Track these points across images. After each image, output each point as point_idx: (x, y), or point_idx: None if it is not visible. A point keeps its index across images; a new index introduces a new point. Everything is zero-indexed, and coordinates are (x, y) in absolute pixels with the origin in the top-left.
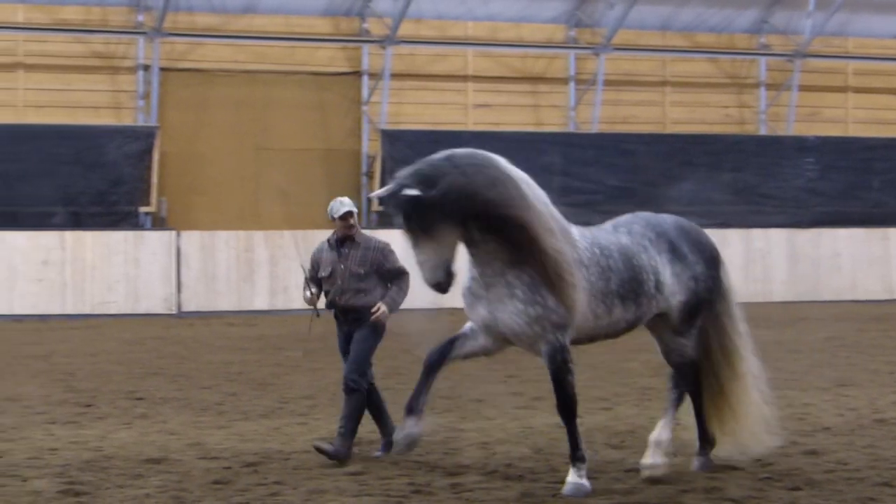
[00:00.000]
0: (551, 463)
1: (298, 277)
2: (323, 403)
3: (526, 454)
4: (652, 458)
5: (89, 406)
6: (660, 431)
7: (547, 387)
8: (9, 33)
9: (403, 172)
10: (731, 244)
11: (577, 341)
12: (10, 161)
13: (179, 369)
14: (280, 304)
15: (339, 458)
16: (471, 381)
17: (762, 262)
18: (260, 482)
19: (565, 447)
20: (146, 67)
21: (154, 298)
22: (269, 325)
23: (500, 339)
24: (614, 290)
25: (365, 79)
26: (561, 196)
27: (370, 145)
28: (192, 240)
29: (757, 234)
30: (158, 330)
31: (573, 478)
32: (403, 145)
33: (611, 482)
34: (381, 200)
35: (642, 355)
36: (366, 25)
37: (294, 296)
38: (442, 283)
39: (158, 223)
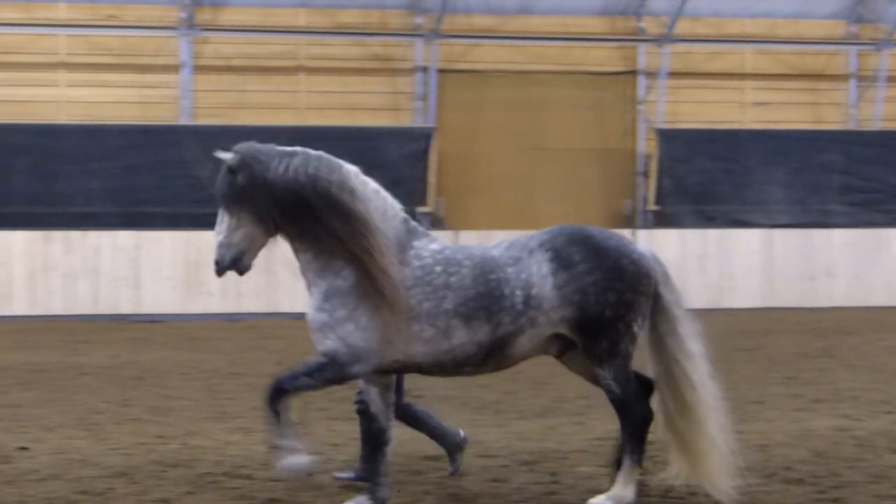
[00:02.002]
0: (832, 467)
1: None
2: (599, 404)
3: (806, 457)
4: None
5: None
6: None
7: (828, 388)
8: (291, 37)
9: (250, 143)
10: None
11: (426, 370)
12: None
13: None
14: None
15: None
16: (750, 382)
17: None
18: (536, 481)
19: (847, 450)
20: (424, 69)
21: None
22: None
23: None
24: (450, 309)
25: (641, 78)
26: (841, 195)
27: (646, 144)
28: (469, 239)
29: None
30: None
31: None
32: (680, 144)
33: (891, 489)
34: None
35: None
36: (642, 24)
37: None
38: (224, 266)
39: (437, 223)
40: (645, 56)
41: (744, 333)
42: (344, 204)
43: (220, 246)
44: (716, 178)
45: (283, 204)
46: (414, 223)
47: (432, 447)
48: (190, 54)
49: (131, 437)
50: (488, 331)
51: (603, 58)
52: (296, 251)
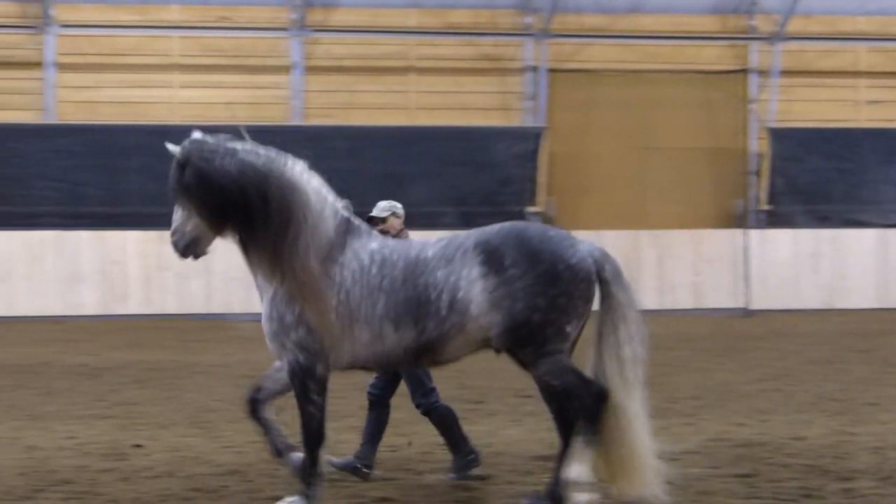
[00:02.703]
0: None
1: (684, 277)
2: (711, 404)
3: None
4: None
5: (480, 403)
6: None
7: None
8: (401, 37)
9: (199, 137)
10: None
11: (372, 369)
12: (403, 162)
13: None
14: (668, 304)
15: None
16: (864, 384)
17: None
18: None
19: None
20: (534, 69)
21: None
22: (656, 325)
23: None
24: (381, 313)
25: (753, 76)
26: None
27: (758, 143)
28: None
29: None
30: None
31: None
32: (792, 143)
33: None
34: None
35: None
36: (753, 22)
37: (679, 296)
38: (179, 251)
39: (547, 223)
40: (757, 54)
41: (858, 334)
42: (277, 200)
43: (174, 233)
44: (829, 177)
45: (224, 200)
46: (357, 222)
47: (541, 448)
48: (301, 55)
49: (244, 435)
50: (413, 337)
51: (714, 56)
52: (244, 252)
